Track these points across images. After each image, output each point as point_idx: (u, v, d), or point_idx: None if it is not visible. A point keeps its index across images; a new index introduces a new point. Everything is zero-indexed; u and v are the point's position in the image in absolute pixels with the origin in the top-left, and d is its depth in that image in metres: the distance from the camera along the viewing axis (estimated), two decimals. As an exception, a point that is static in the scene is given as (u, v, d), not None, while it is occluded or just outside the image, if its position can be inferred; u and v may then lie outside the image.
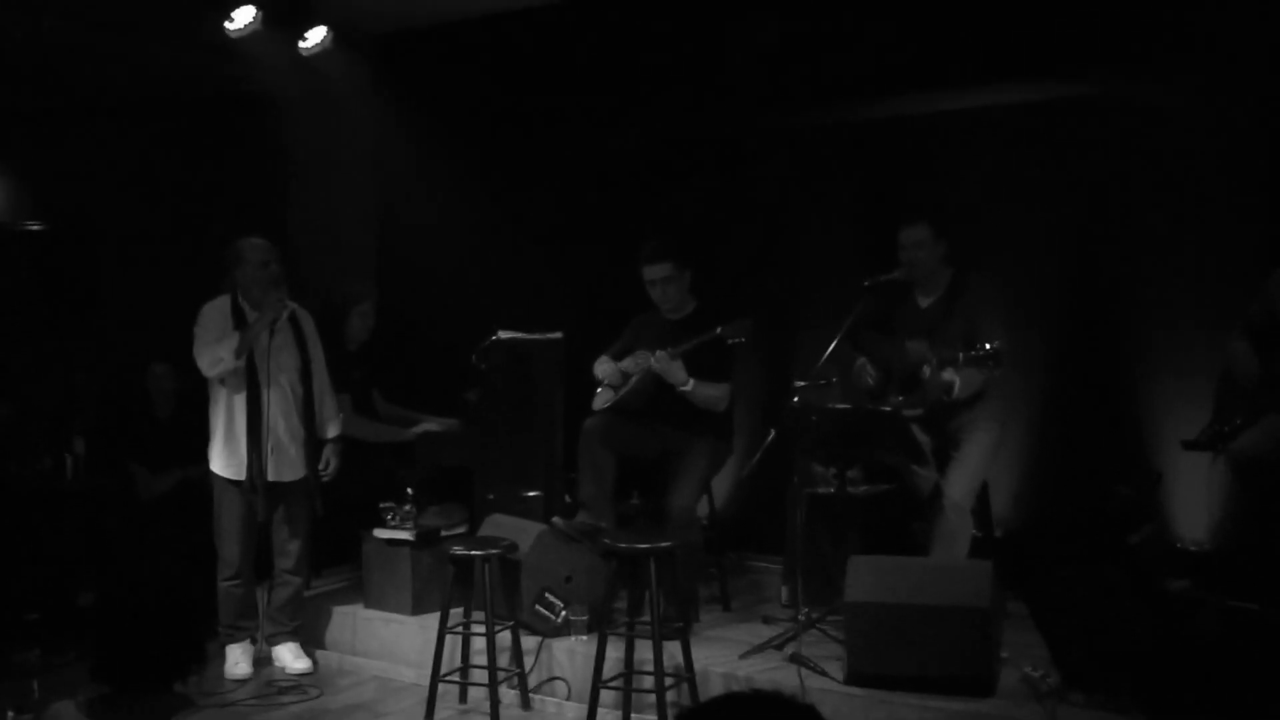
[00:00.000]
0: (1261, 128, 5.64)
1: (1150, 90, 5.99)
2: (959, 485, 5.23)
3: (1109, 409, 6.19)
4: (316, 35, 6.73)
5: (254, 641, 5.82)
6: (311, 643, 5.97)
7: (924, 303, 5.39)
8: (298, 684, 5.59)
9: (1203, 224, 5.85)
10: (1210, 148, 5.79)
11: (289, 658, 5.79)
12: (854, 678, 4.66)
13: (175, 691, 2.73)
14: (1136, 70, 5.96)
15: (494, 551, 5.18)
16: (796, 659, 4.83)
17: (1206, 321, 5.57)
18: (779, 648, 5.08)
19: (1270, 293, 4.78)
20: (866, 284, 5.37)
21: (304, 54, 6.75)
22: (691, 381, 5.44)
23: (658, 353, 5.45)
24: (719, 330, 5.40)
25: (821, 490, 5.82)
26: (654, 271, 5.66)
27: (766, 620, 5.63)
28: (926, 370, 5.09)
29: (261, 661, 5.80)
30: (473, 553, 5.16)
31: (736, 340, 5.40)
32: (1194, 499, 5.56)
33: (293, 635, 5.85)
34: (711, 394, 5.51)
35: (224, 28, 6.35)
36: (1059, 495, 6.23)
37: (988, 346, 4.79)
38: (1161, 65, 5.85)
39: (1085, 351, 6.29)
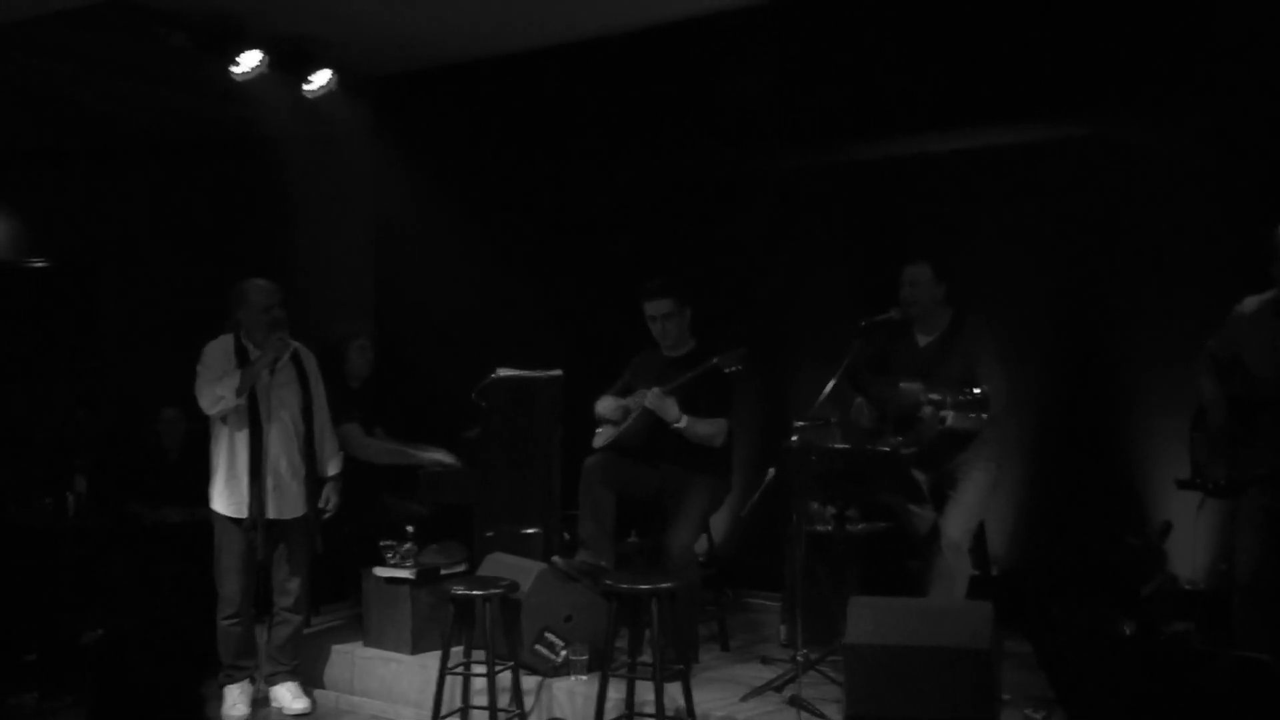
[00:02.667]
0: (1253, 170, 5.69)
1: (1143, 132, 6.06)
2: (957, 525, 5.25)
3: (1103, 448, 6.24)
4: (321, 78, 6.80)
5: (253, 681, 5.80)
6: (310, 682, 5.95)
7: (922, 341, 5.43)
8: (296, 724, 5.59)
9: (1194, 264, 5.91)
10: (1199, 187, 5.87)
11: (288, 698, 5.77)
12: (853, 720, 4.66)
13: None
14: (1128, 112, 6.05)
15: (495, 591, 5.18)
16: (796, 701, 4.83)
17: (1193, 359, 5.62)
18: (779, 689, 5.09)
19: (1230, 332, 4.84)
20: (863, 324, 5.42)
21: (308, 96, 6.81)
22: (685, 418, 5.47)
23: (651, 390, 5.48)
24: (714, 360, 5.43)
25: (819, 528, 5.84)
26: (655, 307, 5.70)
27: (765, 660, 5.65)
28: (926, 411, 5.11)
29: (259, 702, 5.77)
30: (474, 592, 5.17)
31: (733, 369, 5.43)
32: (1188, 539, 5.60)
33: (292, 674, 5.83)
34: (706, 431, 5.54)
35: (230, 72, 6.41)
36: (1055, 534, 6.27)
37: (975, 392, 4.83)
38: (1154, 108, 5.93)
39: (1079, 390, 6.34)
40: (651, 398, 5.48)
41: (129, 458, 7.05)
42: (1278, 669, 2.61)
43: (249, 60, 6.43)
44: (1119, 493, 6.14)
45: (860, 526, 5.92)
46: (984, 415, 4.96)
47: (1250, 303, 4.84)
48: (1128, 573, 5.54)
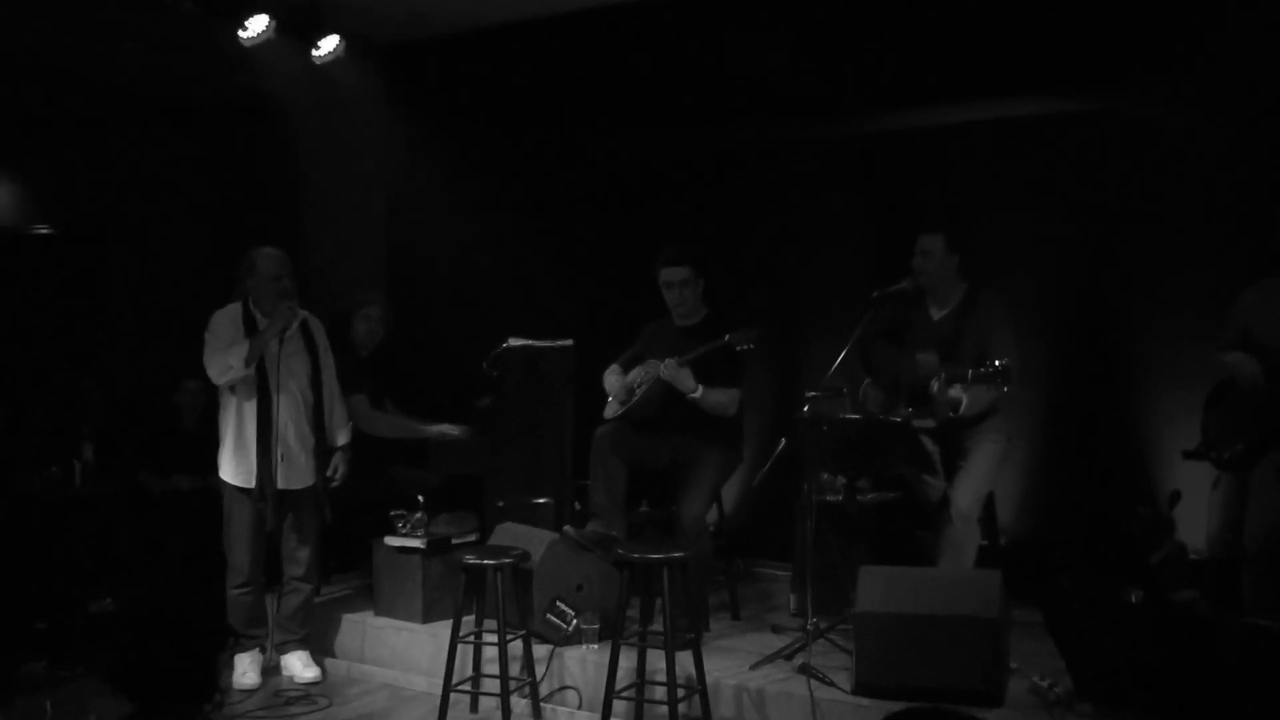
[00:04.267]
0: (1261, 145, 5.67)
1: (1153, 107, 6.04)
2: (966, 495, 5.26)
3: (1110, 420, 6.25)
4: (329, 44, 6.75)
5: (263, 650, 5.81)
6: (320, 651, 5.97)
7: (936, 315, 5.42)
8: (306, 694, 5.59)
9: (1203, 239, 5.91)
10: (1212, 164, 5.87)
11: (298, 666, 5.79)
12: (862, 688, 4.67)
13: (200, 713, 2.74)
14: (1140, 87, 6.02)
15: (507, 561, 5.19)
16: (806, 669, 4.84)
17: (1205, 334, 5.61)
18: (788, 658, 5.10)
19: (1237, 317, 4.84)
20: (875, 295, 5.42)
21: (317, 62, 6.77)
22: (700, 388, 5.47)
23: (666, 361, 5.48)
24: (727, 338, 5.42)
25: (830, 498, 5.85)
26: (672, 274, 5.69)
27: (776, 629, 5.66)
28: (935, 385, 5.10)
29: (270, 671, 5.80)
30: (485, 562, 5.18)
31: (745, 348, 5.42)
32: (1194, 509, 5.61)
33: (302, 643, 5.85)
34: (720, 400, 5.54)
35: (238, 36, 6.37)
36: (1063, 505, 6.28)
37: (996, 364, 4.81)
38: (1165, 83, 5.91)
39: (1087, 364, 6.35)
40: (667, 369, 5.47)
41: (139, 426, 7.05)
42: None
43: (257, 25, 6.38)
44: (1126, 465, 6.18)
45: (870, 496, 5.93)
46: (1005, 388, 4.94)
47: (1254, 289, 4.84)
48: (1137, 541, 5.55)
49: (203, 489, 6.53)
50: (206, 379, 5.82)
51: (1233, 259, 5.66)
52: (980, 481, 5.29)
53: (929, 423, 5.30)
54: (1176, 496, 5.54)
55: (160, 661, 2.58)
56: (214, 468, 5.75)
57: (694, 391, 5.47)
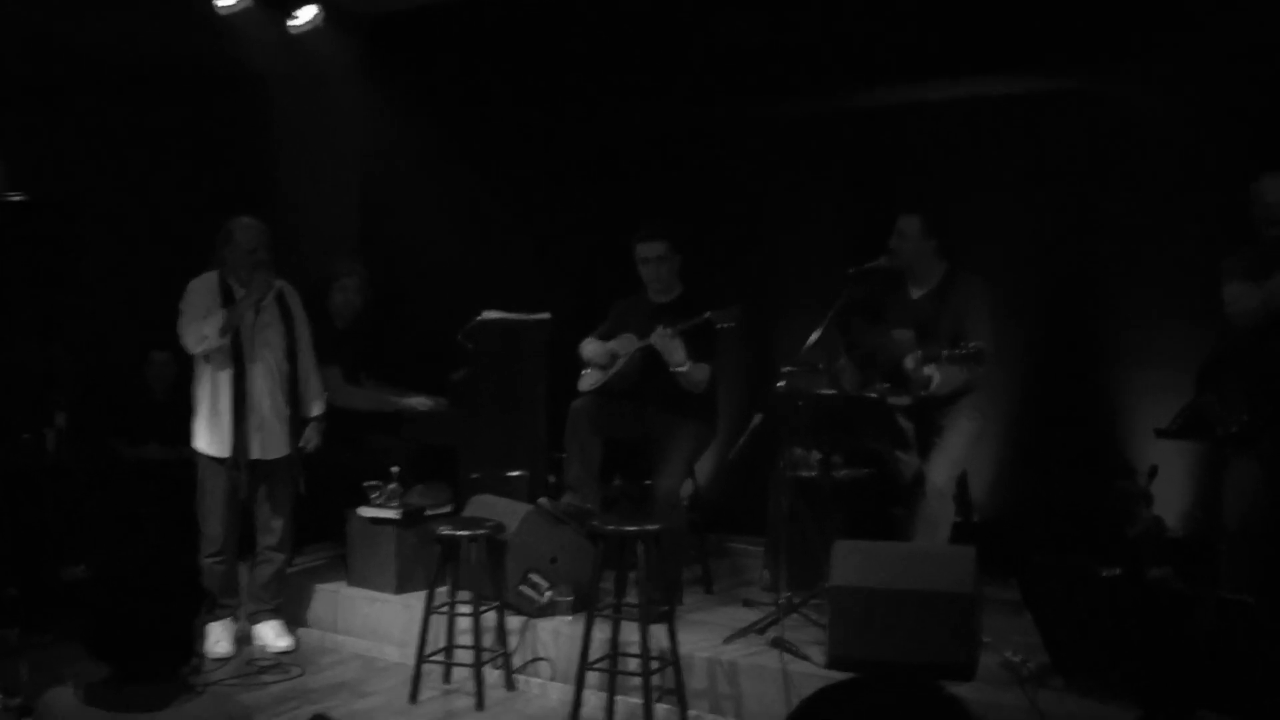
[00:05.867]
0: (1235, 124, 5.70)
1: (1129, 86, 6.07)
2: (941, 471, 5.29)
3: (1084, 399, 6.28)
4: (307, 14, 6.70)
5: (235, 620, 5.82)
6: (293, 621, 5.97)
7: (915, 294, 5.44)
8: (279, 663, 5.60)
9: (1177, 218, 5.94)
10: (1188, 143, 5.89)
11: (271, 636, 5.79)
12: (835, 661, 4.70)
13: (177, 677, 2.73)
14: (1116, 66, 6.04)
15: (481, 532, 5.20)
16: (779, 643, 4.87)
17: (1177, 313, 5.66)
18: (761, 632, 5.12)
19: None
20: (851, 272, 5.43)
21: (293, 32, 6.72)
22: (689, 362, 5.47)
23: (658, 329, 5.46)
24: (708, 315, 5.43)
25: (804, 474, 5.87)
26: (648, 249, 5.69)
27: (748, 603, 5.68)
28: (909, 363, 5.12)
29: (242, 640, 5.80)
30: (460, 533, 5.18)
31: (726, 325, 5.43)
32: (1167, 487, 5.67)
33: (274, 613, 5.85)
34: (700, 376, 5.55)
35: (214, 4, 6.31)
36: (1035, 483, 6.33)
37: (970, 347, 4.84)
38: (1141, 62, 5.93)
39: (1062, 342, 6.38)
40: (659, 338, 5.45)
41: (112, 395, 7.00)
42: (1260, 610, 2.64)
43: (234, -7, 6.34)
44: (1099, 443, 6.21)
45: (844, 472, 5.96)
46: (979, 370, 4.98)
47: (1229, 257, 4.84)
48: (1113, 515, 5.59)
49: (175, 459, 6.50)
50: (174, 349, 5.79)
51: (1208, 238, 5.69)
52: (955, 458, 5.33)
53: (904, 399, 5.32)
54: (1154, 471, 5.58)
55: (139, 625, 2.57)
56: (185, 438, 5.73)
57: (682, 365, 5.47)
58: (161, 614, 2.60)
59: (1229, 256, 4.81)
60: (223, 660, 5.58)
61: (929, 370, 5.11)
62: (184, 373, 6.40)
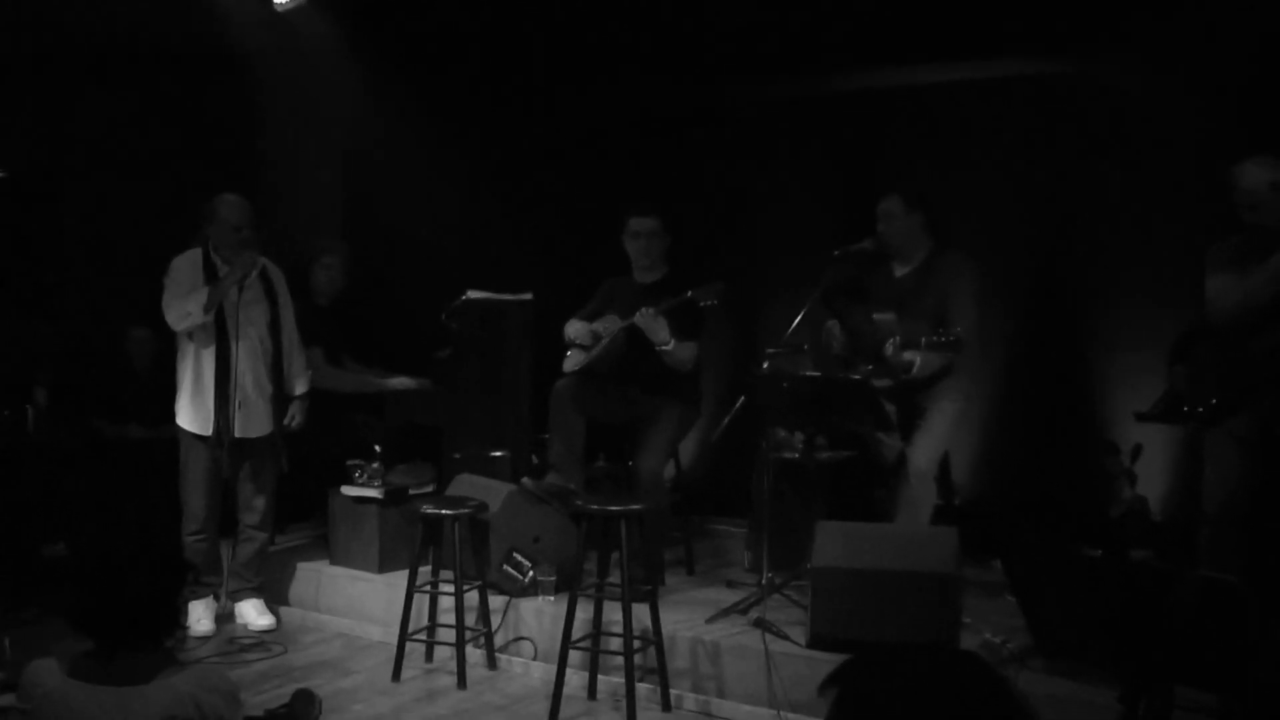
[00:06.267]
0: (1220, 108, 5.73)
1: (1118, 72, 6.08)
2: (924, 454, 5.31)
3: (1065, 381, 6.32)
4: (291, -9, 6.66)
5: (217, 598, 5.81)
6: (275, 599, 5.97)
7: (899, 272, 5.44)
8: (261, 641, 5.61)
9: (1162, 201, 5.97)
10: (1175, 129, 5.91)
11: (252, 614, 5.80)
12: (816, 641, 4.72)
13: (161, 649, 2.73)
14: (1105, 52, 6.05)
15: (464, 511, 5.20)
16: (761, 623, 4.89)
17: (1161, 296, 5.69)
18: (743, 612, 5.14)
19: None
20: (837, 253, 5.44)
21: (278, 9, 6.67)
22: (673, 341, 5.47)
23: (643, 309, 5.47)
24: (690, 293, 5.43)
25: (787, 455, 5.89)
26: (641, 224, 5.69)
27: (730, 584, 5.70)
28: (889, 347, 5.14)
29: (224, 618, 5.80)
30: (443, 512, 5.18)
31: (708, 303, 5.43)
32: (1147, 471, 5.71)
33: (256, 591, 5.85)
34: (685, 355, 5.56)
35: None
36: (1016, 465, 6.36)
37: (950, 336, 4.86)
38: (1130, 48, 5.94)
39: (1044, 325, 6.42)
40: (643, 317, 5.45)
41: (93, 373, 6.97)
42: (1243, 590, 2.68)
43: (218, -30, 6.29)
44: (1080, 426, 6.24)
45: (827, 454, 5.97)
46: (957, 356, 5.01)
47: (1215, 245, 4.86)
48: (1097, 495, 5.64)
49: (156, 438, 6.49)
50: (154, 325, 5.75)
51: (1192, 222, 5.72)
52: (938, 441, 5.35)
53: (886, 382, 5.34)
54: (1138, 450, 5.62)
55: (124, 598, 2.57)
56: (167, 415, 5.72)
57: (666, 344, 5.47)
58: (147, 587, 2.60)
59: (1215, 245, 4.84)
60: (204, 638, 5.57)
61: (909, 355, 5.13)
62: (165, 349, 6.40)
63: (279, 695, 4.82)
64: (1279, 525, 4.53)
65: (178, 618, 2.74)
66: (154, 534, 2.74)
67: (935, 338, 4.91)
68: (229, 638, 5.63)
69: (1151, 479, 5.60)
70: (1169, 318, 5.36)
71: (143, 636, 2.62)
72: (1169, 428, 5.55)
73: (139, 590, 2.59)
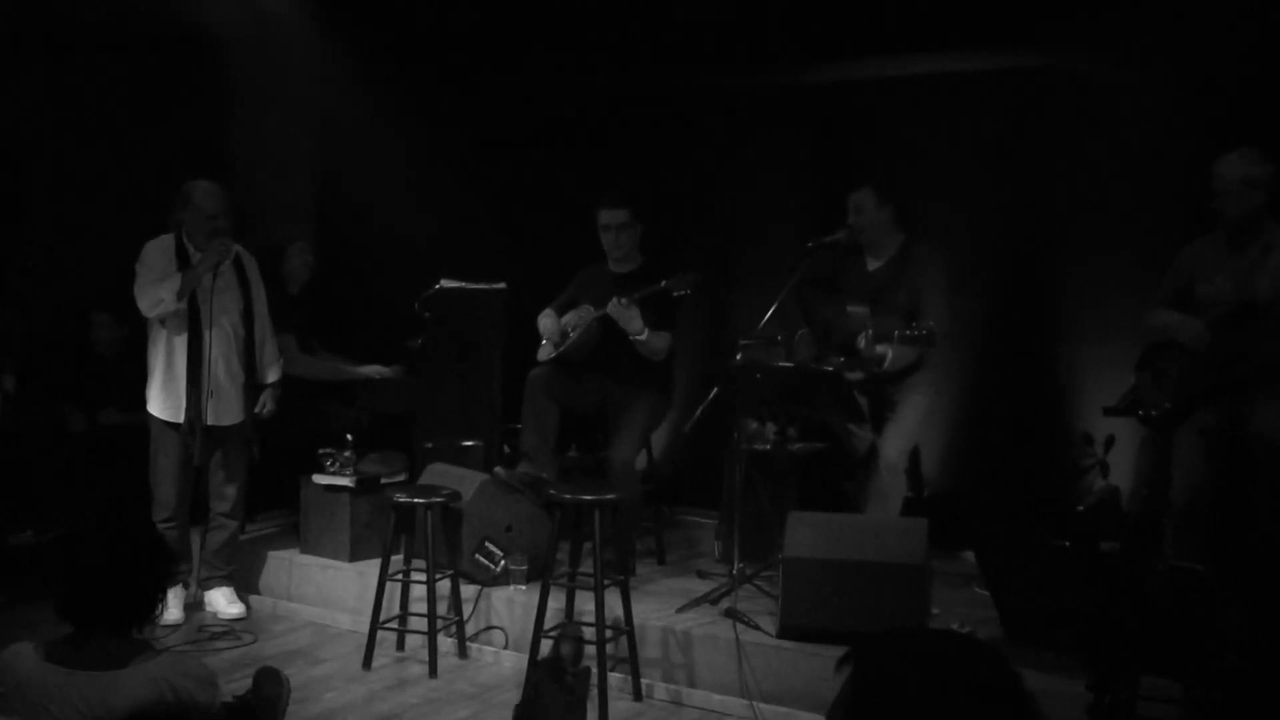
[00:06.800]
0: (1192, 103, 5.79)
1: (1092, 65, 6.12)
2: (894, 446, 5.35)
3: (1034, 375, 6.37)
4: (264, -26, 6.62)
5: (186, 586, 5.79)
6: (245, 588, 5.95)
7: (872, 265, 5.47)
8: (230, 629, 5.59)
9: (1134, 197, 6.02)
10: (1147, 123, 5.95)
11: (222, 602, 5.77)
12: (787, 631, 4.75)
13: (136, 636, 2.74)
14: (1079, 45, 6.09)
15: (437, 500, 5.20)
16: (731, 613, 4.91)
17: (1131, 289, 5.73)
18: (714, 602, 5.17)
19: (1180, 271, 4.93)
20: (810, 245, 5.46)
21: (252, -7, 6.65)
22: (646, 330, 5.49)
23: (615, 300, 5.48)
24: (663, 283, 5.45)
25: (759, 447, 5.92)
26: (610, 217, 5.69)
27: (701, 575, 5.73)
28: (862, 341, 5.18)
29: (193, 606, 5.78)
30: (416, 500, 5.19)
31: (682, 293, 5.45)
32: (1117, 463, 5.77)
33: (227, 580, 5.83)
34: (659, 345, 5.58)
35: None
36: (985, 458, 6.41)
37: (922, 330, 4.91)
38: (1105, 41, 5.98)
39: (1015, 318, 6.46)
40: (615, 308, 5.47)
41: (62, 359, 6.90)
42: (1210, 579, 2.73)
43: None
44: (1049, 419, 6.30)
45: (798, 446, 6.01)
46: (929, 350, 5.06)
47: (1196, 243, 4.94)
48: (1065, 486, 5.69)
49: (128, 425, 6.44)
50: (116, 310, 5.69)
51: (1162, 215, 5.79)
52: (908, 433, 5.39)
53: (858, 375, 5.37)
54: (1110, 441, 5.69)
55: (110, 584, 2.58)
56: (135, 403, 5.69)
57: (640, 333, 5.48)
58: (135, 574, 2.61)
59: (1188, 246, 4.92)
60: (173, 626, 5.53)
61: (882, 348, 5.16)
62: (129, 335, 6.38)
63: (248, 684, 4.80)
64: (1241, 517, 4.61)
65: (156, 604, 2.74)
66: (140, 521, 2.74)
67: (908, 332, 4.96)
68: (198, 626, 5.60)
69: (1125, 470, 5.66)
70: (1138, 310, 5.41)
71: (122, 622, 2.62)
72: (1136, 423, 5.61)
73: (126, 577, 2.60)
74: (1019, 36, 6.18)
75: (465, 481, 5.56)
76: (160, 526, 5.56)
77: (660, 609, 5.17)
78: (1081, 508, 5.52)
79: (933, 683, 1.53)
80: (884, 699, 1.53)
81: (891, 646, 1.58)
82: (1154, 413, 4.86)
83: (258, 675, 3.92)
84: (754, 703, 4.63)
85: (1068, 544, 3.32)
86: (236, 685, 4.76)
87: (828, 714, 1.61)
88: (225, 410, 5.61)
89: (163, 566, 2.73)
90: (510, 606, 5.34)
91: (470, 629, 5.34)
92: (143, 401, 5.63)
